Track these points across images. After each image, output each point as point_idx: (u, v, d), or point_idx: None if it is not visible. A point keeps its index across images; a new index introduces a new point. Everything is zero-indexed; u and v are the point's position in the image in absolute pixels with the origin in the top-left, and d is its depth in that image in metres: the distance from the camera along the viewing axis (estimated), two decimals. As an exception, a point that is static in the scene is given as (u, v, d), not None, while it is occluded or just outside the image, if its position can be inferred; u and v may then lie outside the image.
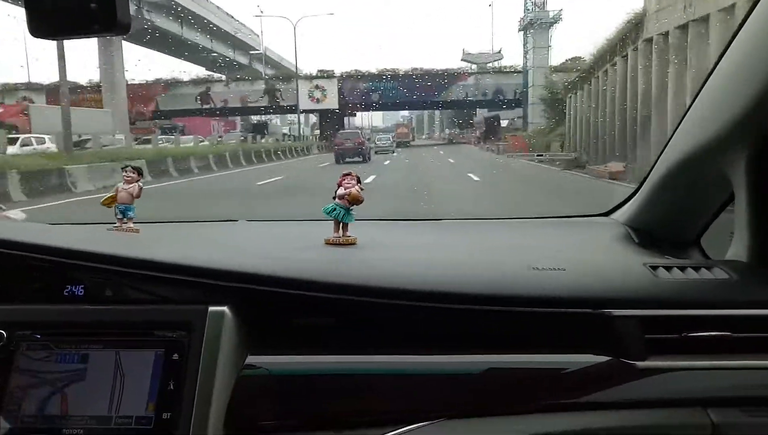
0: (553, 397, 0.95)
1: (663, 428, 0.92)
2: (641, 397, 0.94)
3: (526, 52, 48.59)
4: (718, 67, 1.06)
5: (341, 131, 30.48)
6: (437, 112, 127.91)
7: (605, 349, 0.96)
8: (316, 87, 49.24)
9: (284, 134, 56.38)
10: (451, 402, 0.95)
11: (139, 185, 1.29)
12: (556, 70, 46.94)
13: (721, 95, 1.07)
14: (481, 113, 67.26)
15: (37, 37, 0.81)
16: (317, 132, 54.32)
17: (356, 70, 49.71)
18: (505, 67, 50.61)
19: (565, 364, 0.96)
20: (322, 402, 0.96)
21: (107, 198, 1.30)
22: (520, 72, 50.63)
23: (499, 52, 46.60)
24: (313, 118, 59.25)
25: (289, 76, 49.73)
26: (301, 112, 51.99)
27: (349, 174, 1.23)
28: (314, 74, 49.62)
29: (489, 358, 0.97)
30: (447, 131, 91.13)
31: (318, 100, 49.27)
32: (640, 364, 0.94)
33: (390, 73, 49.86)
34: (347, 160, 22.58)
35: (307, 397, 0.95)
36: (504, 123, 54.37)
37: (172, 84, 48.16)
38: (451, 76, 50.26)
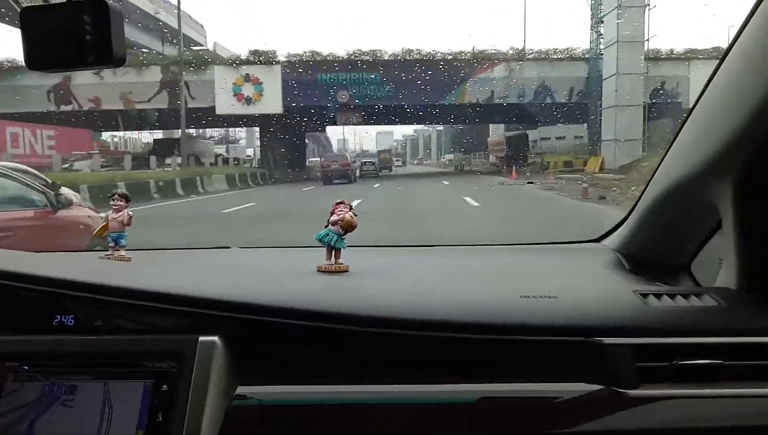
0: (546, 427, 0.95)
1: None
2: (634, 426, 0.94)
3: (597, 22, 29.49)
4: (703, 96, 1.08)
5: (327, 153, 33.27)
6: (434, 132, 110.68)
7: (597, 377, 0.97)
8: (246, 78, 29.84)
9: (236, 158, 41.86)
10: (443, 432, 0.96)
11: (128, 213, 1.29)
12: (656, 58, 27.66)
13: (706, 124, 1.09)
14: (496, 131, 48.43)
15: (33, 69, 0.83)
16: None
17: (313, 53, 30.21)
18: (553, 51, 31.12)
19: (557, 393, 0.96)
20: (313, 432, 0.97)
21: (99, 229, 1.30)
22: (580, 59, 31.24)
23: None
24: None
25: (202, 60, 29.47)
26: (220, 122, 32.44)
27: (342, 202, 1.24)
28: (244, 57, 30.34)
29: (480, 387, 0.98)
30: (447, 156, 72.37)
31: (249, 101, 29.88)
32: (632, 392, 0.94)
33: (368, 58, 30.33)
34: (335, 181, 23.06)
35: (298, 428, 0.96)
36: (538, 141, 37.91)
37: (7, 70, 28.39)
38: (467, 66, 30.80)
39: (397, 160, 72.24)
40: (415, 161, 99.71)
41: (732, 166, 1.04)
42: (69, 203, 5.31)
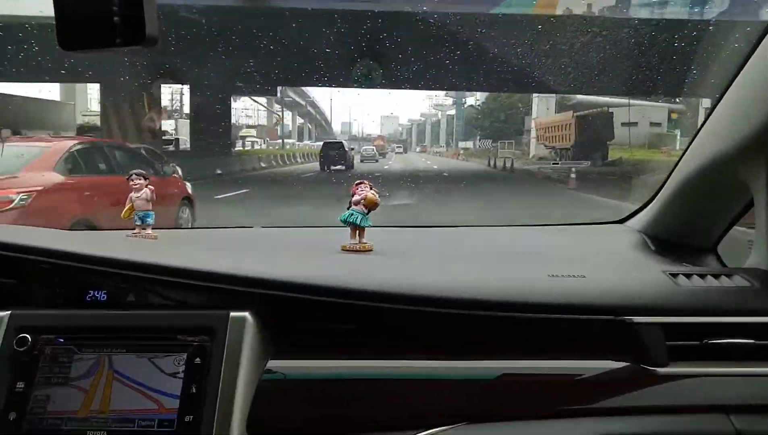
0: (573, 403, 0.96)
1: (685, 434, 0.93)
2: (662, 402, 0.95)
3: None
4: (739, 75, 1.08)
5: (325, 140, 32.43)
6: (444, 117, 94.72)
7: (626, 355, 0.97)
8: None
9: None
10: (471, 407, 0.97)
11: (149, 189, 1.30)
12: None
13: (741, 103, 1.09)
14: (543, 107, 32.43)
15: (66, 49, 0.84)
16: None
17: None
18: None
19: (585, 369, 0.98)
20: (341, 406, 0.98)
21: (125, 211, 1.33)
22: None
23: None
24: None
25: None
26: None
27: (362, 182, 1.25)
28: None
29: (509, 363, 0.99)
30: (464, 143, 56.04)
31: None
32: (661, 370, 0.96)
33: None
34: (332, 167, 23.62)
35: (327, 401, 0.98)
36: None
37: None
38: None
39: (398, 147, 68.43)
40: (419, 148, 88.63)
41: (766, 145, 1.03)
42: (172, 172, 7.16)
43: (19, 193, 3.22)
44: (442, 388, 0.98)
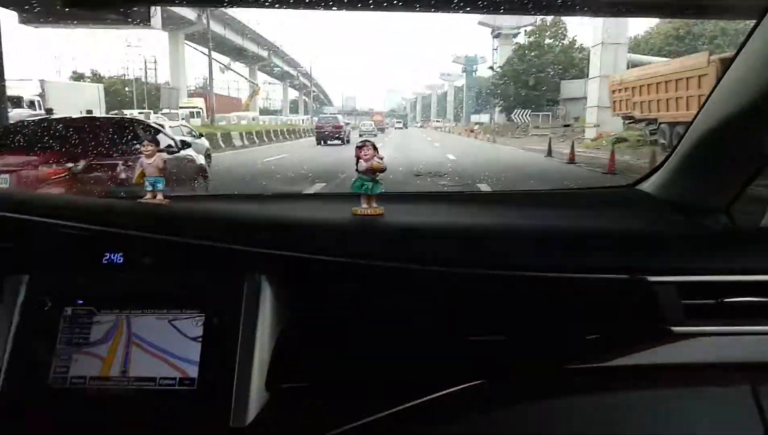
0: (590, 361, 0.96)
1: (702, 391, 0.92)
2: (679, 360, 0.95)
3: None
4: (754, 34, 1.07)
5: (321, 115, 34.32)
6: (451, 88, 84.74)
7: (642, 314, 0.98)
8: None
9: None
10: (488, 366, 0.97)
11: (161, 156, 1.30)
12: None
13: (756, 62, 1.07)
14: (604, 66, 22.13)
15: (73, 6, 0.74)
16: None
17: None
18: None
19: (601, 328, 0.99)
20: (359, 364, 0.99)
21: (137, 176, 1.32)
22: None
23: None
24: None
25: None
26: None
27: (364, 144, 1.22)
28: None
29: (525, 323, 1.01)
30: (478, 117, 47.15)
31: None
32: (677, 328, 0.96)
33: None
34: (328, 142, 24.06)
35: (344, 359, 0.99)
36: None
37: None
38: None
39: (398, 122, 65.66)
40: (418, 123, 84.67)
41: None
42: (187, 146, 6.94)
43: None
44: (463, 346, 1.00)
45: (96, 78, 45.03)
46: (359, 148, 1.22)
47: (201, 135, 13.95)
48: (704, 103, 1.21)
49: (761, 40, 1.05)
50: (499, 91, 38.49)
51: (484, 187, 10.06)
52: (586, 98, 32.96)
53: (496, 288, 1.01)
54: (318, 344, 1.01)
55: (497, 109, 41.10)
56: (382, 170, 1.22)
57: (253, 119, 40.23)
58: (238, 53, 56.03)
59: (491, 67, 41.97)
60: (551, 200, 1.62)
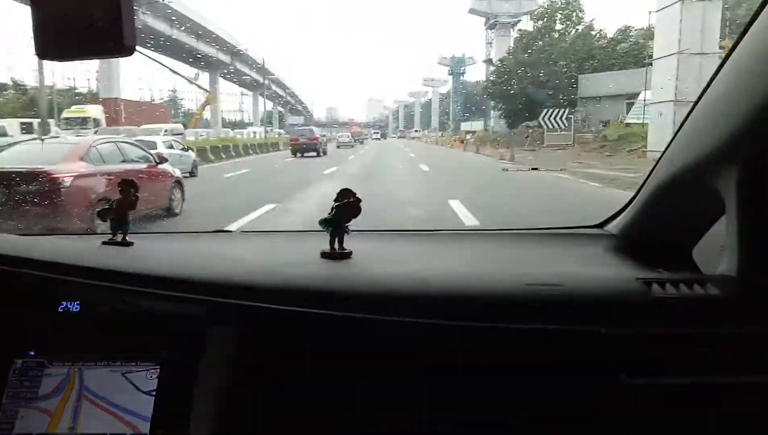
0: (543, 413, 0.99)
1: None
2: (633, 413, 0.97)
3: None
4: (710, 86, 1.10)
5: (295, 128, 34.66)
6: (436, 96, 77.88)
7: (602, 365, 0.99)
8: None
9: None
10: (448, 425, 0.99)
11: (134, 197, 1.30)
12: None
13: (715, 111, 1.10)
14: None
15: (44, 59, 0.86)
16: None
17: None
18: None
19: (557, 381, 0.99)
20: (321, 423, 0.98)
21: (103, 211, 1.31)
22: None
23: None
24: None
25: None
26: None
27: (346, 189, 1.24)
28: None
29: (484, 378, 1.01)
30: (470, 125, 39.78)
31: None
32: (633, 381, 0.97)
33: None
34: (305, 154, 23.85)
35: (305, 420, 0.98)
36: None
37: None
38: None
39: (375, 133, 64.83)
40: (397, 134, 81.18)
41: (737, 155, 1.05)
42: (164, 161, 7.98)
43: (63, 177, 4.09)
44: (421, 402, 0.99)
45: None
46: (340, 193, 1.21)
47: (188, 148, 15.64)
48: (668, 147, 1.23)
49: (718, 91, 1.08)
50: (498, 92, 30.28)
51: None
52: (615, 97, 25.28)
53: (459, 339, 1.00)
54: (277, 399, 0.97)
55: (496, 114, 33.10)
56: (358, 211, 1.20)
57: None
58: (189, 57, 48.28)
59: (489, 60, 33.85)
60: (521, 240, 1.63)
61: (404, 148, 33.33)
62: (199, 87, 49.06)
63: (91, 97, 34.92)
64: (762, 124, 0.97)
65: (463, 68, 62.63)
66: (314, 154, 24.61)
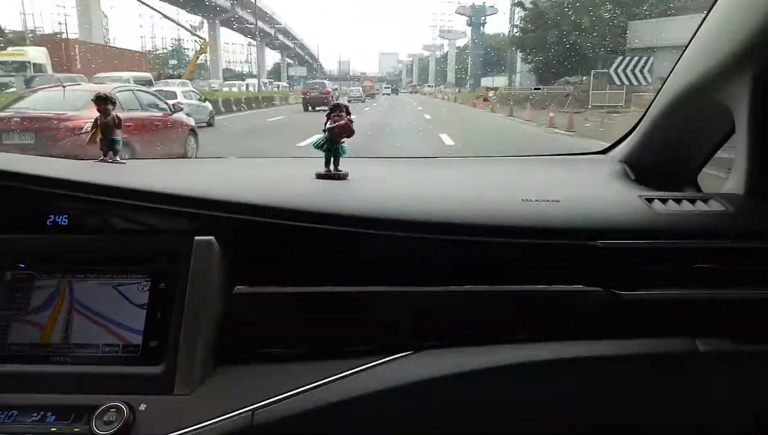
0: (543, 327, 0.98)
1: (650, 357, 0.95)
2: (630, 326, 0.97)
3: None
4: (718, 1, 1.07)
5: (307, 81, 32.70)
6: (453, 48, 73.15)
7: (596, 279, 0.98)
8: None
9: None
10: (441, 331, 0.98)
11: (116, 115, 1.25)
12: None
13: (723, 26, 1.07)
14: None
15: None
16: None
17: None
18: None
19: (554, 294, 0.98)
20: (309, 331, 0.98)
21: (90, 136, 1.26)
22: None
23: None
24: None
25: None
26: None
27: (337, 106, 1.19)
28: None
29: (479, 288, 0.98)
30: (491, 81, 35.51)
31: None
32: (630, 294, 0.96)
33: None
34: (316, 108, 22.56)
35: (294, 326, 0.98)
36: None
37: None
38: None
39: (386, 87, 60.62)
40: (408, 89, 77.56)
41: (747, 68, 1.03)
42: (178, 110, 8.09)
43: (86, 123, 3.36)
44: (413, 312, 0.98)
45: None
46: (331, 110, 1.19)
47: (205, 99, 14.91)
48: (674, 67, 1.20)
49: (726, 4, 1.05)
50: (529, 41, 25.67)
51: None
52: (672, 48, 20.76)
53: (454, 254, 0.99)
54: (268, 312, 0.97)
55: (525, 67, 28.66)
56: (352, 131, 1.17)
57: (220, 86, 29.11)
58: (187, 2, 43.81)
59: (520, 2, 28.87)
60: (522, 165, 1.60)
61: (417, 106, 29.04)
62: (194, 34, 44.65)
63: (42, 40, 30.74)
64: None
65: (483, 18, 57.45)
66: (325, 108, 24.37)
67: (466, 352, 0.96)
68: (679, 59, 1.18)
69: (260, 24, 62.55)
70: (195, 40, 44.46)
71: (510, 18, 33.89)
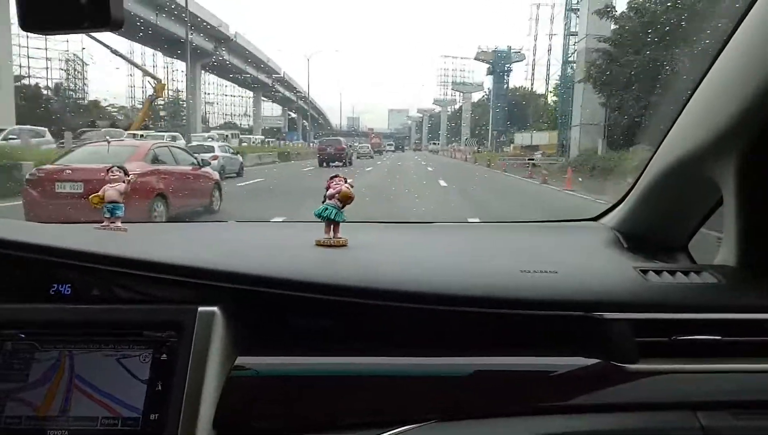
0: (543, 400, 0.97)
1: (652, 431, 0.95)
2: (631, 400, 0.96)
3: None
4: (709, 73, 1.09)
5: (323, 138, 35.31)
6: (467, 103, 65.68)
7: (596, 351, 0.98)
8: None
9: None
10: (442, 404, 0.97)
11: (125, 182, 1.30)
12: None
13: (711, 101, 1.10)
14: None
15: (28, 31, 0.84)
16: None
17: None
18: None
19: (555, 366, 0.98)
20: (312, 404, 0.97)
21: (95, 197, 1.30)
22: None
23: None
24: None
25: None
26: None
27: (336, 175, 1.24)
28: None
29: (480, 360, 0.99)
30: (521, 136, 25.58)
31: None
32: (630, 366, 0.96)
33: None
34: (330, 164, 24.02)
35: (297, 399, 0.97)
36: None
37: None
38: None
39: (389, 144, 62.25)
40: (412, 146, 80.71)
41: (735, 144, 1.05)
42: (206, 164, 8.98)
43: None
44: (413, 385, 0.98)
45: None
46: (331, 178, 1.22)
47: (237, 152, 17.34)
48: (663, 139, 1.22)
49: (715, 81, 1.07)
50: (609, 78, 16.36)
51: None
52: None
53: (455, 325, 1.00)
54: (272, 385, 0.97)
55: (586, 118, 19.62)
56: (351, 199, 1.19)
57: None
58: (152, 38, 36.05)
59: (605, 10, 19.72)
60: (518, 231, 1.61)
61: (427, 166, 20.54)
62: (147, 73, 35.79)
63: None
64: (758, 113, 0.97)
65: (507, 66, 49.61)
66: (340, 163, 24.29)
67: (467, 425, 0.95)
68: (667, 132, 1.20)
69: (257, 74, 55.27)
70: (148, 81, 36.11)
71: (563, 47, 25.40)
